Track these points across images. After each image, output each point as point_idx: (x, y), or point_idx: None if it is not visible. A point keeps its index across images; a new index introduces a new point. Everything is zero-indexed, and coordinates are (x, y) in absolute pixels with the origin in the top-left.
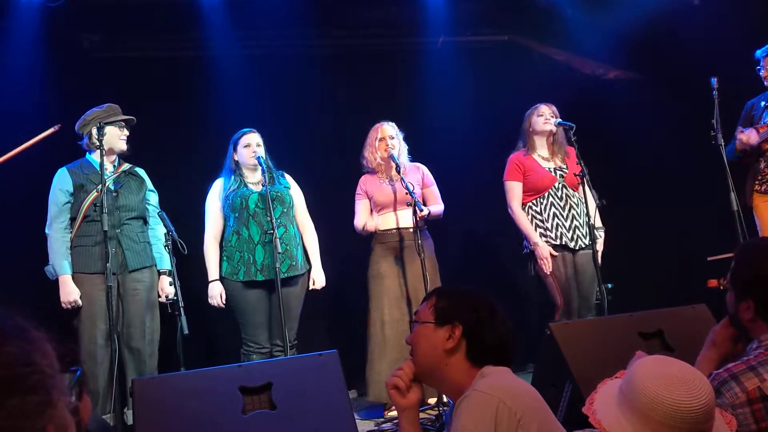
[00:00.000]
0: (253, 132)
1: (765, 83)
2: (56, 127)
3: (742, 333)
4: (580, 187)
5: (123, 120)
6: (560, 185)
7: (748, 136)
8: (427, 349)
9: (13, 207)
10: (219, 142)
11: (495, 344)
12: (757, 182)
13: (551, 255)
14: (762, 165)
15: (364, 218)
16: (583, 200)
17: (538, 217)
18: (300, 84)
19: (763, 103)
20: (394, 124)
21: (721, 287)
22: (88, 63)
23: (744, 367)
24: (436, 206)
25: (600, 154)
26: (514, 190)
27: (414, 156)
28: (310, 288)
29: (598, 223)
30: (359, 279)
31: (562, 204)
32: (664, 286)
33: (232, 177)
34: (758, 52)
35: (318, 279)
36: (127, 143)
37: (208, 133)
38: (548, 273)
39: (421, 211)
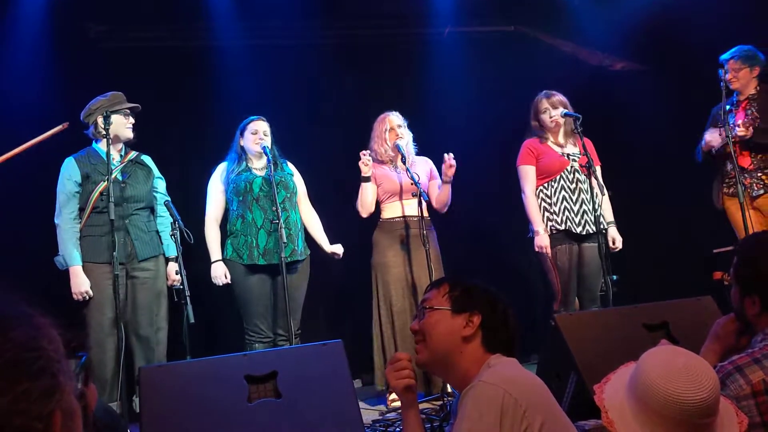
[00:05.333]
0: (262, 120)
1: (730, 86)
2: (64, 125)
3: (746, 327)
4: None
5: (128, 108)
6: (572, 169)
7: (711, 137)
8: (443, 335)
9: (21, 196)
10: (225, 131)
11: (508, 334)
12: (725, 185)
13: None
14: (729, 167)
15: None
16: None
17: (547, 200)
18: (305, 74)
19: (727, 107)
20: (398, 113)
21: (725, 282)
22: (93, 53)
23: (749, 360)
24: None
25: (606, 145)
26: (528, 175)
27: (419, 146)
28: (336, 256)
29: (610, 217)
30: (363, 268)
31: (572, 188)
32: (669, 277)
33: (236, 162)
34: (722, 56)
35: (337, 249)
36: (133, 131)
37: (214, 123)
38: (546, 254)
39: (426, 201)
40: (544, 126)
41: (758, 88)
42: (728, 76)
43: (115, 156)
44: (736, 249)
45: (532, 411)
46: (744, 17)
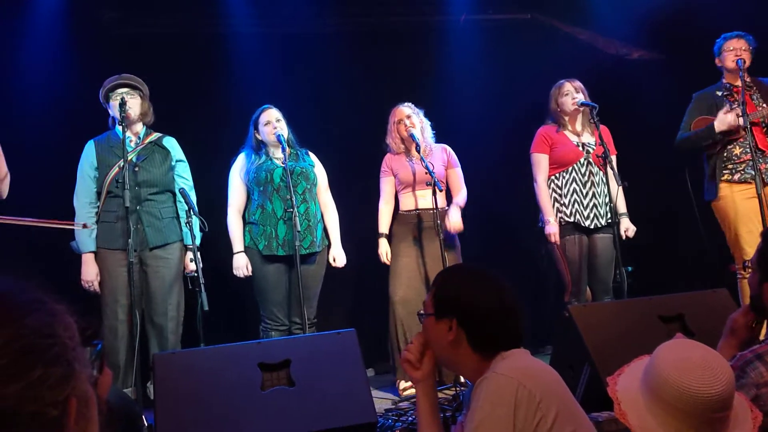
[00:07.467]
0: (271, 108)
1: (741, 65)
2: (81, 225)
3: (762, 315)
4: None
5: (108, 89)
6: (585, 161)
7: (732, 116)
8: (434, 342)
9: (40, 180)
10: (238, 119)
11: (497, 330)
12: (727, 171)
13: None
14: (737, 151)
15: (388, 197)
16: (606, 180)
17: (558, 191)
18: (319, 62)
19: (719, 93)
20: (410, 103)
21: (746, 268)
22: (106, 40)
23: None
24: (461, 196)
25: (623, 134)
26: (541, 163)
27: (435, 135)
28: (333, 265)
29: (622, 208)
30: (379, 258)
31: (584, 181)
32: (685, 269)
33: (254, 153)
34: (726, 35)
35: (339, 257)
36: (145, 109)
37: (227, 111)
38: (555, 243)
39: (441, 191)
40: (564, 110)
41: (748, 78)
42: (745, 55)
43: (133, 138)
44: (762, 235)
45: (546, 402)
46: (763, 5)
